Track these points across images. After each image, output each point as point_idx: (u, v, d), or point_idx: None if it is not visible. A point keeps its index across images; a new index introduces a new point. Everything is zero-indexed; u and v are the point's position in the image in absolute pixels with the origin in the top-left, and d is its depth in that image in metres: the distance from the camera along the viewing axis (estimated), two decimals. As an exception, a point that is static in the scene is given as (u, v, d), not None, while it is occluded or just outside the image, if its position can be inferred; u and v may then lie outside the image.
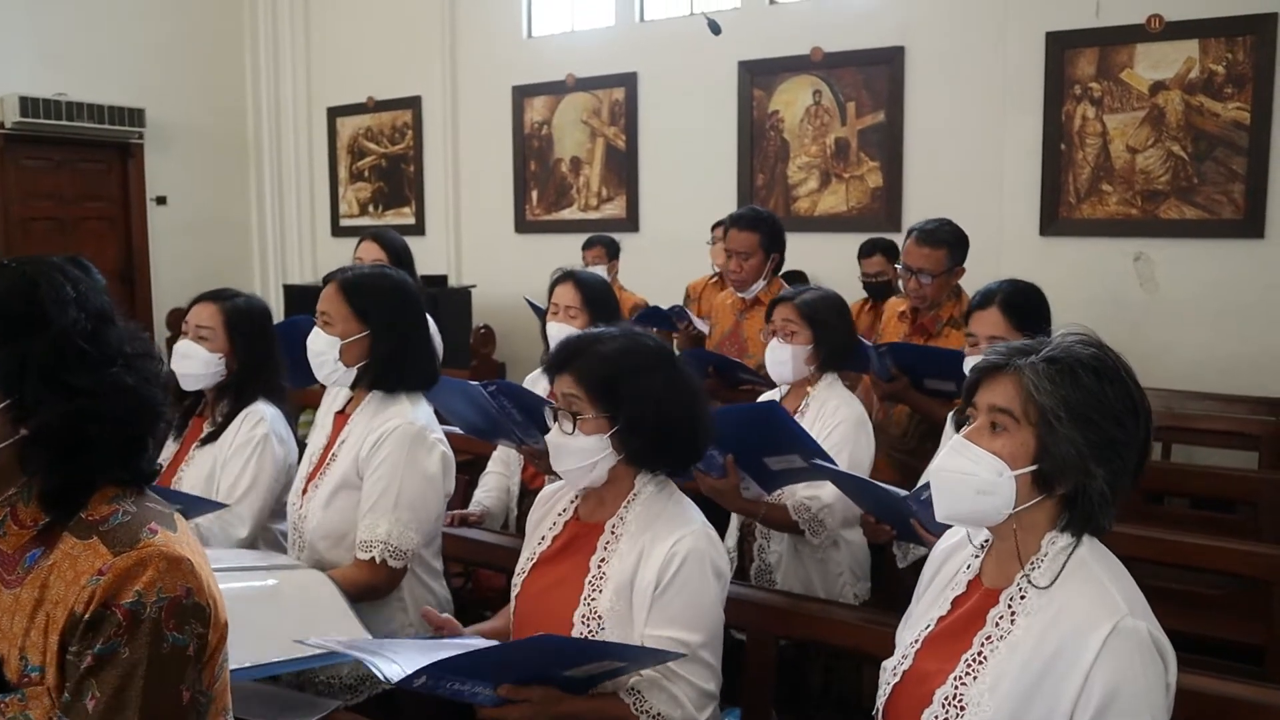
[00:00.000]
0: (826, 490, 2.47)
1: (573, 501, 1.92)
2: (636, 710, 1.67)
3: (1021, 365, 1.38)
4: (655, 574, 1.71)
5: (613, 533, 1.79)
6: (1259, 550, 2.58)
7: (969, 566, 1.52)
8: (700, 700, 1.70)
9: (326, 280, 2.31)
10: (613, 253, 5.36)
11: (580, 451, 1.76)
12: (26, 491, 1.18)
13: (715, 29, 5.70)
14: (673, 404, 1.77)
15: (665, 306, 4.38)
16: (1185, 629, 2.96)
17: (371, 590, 2.13)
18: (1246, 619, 2.87)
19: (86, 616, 1.11)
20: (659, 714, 1.67)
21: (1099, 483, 1.35)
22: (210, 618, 1.18)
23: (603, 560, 1.77)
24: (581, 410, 1.75)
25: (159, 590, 1.13)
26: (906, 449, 3.30)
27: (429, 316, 3.71)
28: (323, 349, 2.23)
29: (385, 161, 7.77)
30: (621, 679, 1.69)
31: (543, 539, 1.92)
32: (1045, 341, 1.41)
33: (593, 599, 1.74)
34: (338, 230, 8.07)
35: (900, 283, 3.45)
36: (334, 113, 7.96)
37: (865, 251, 4.82)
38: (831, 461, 2.31)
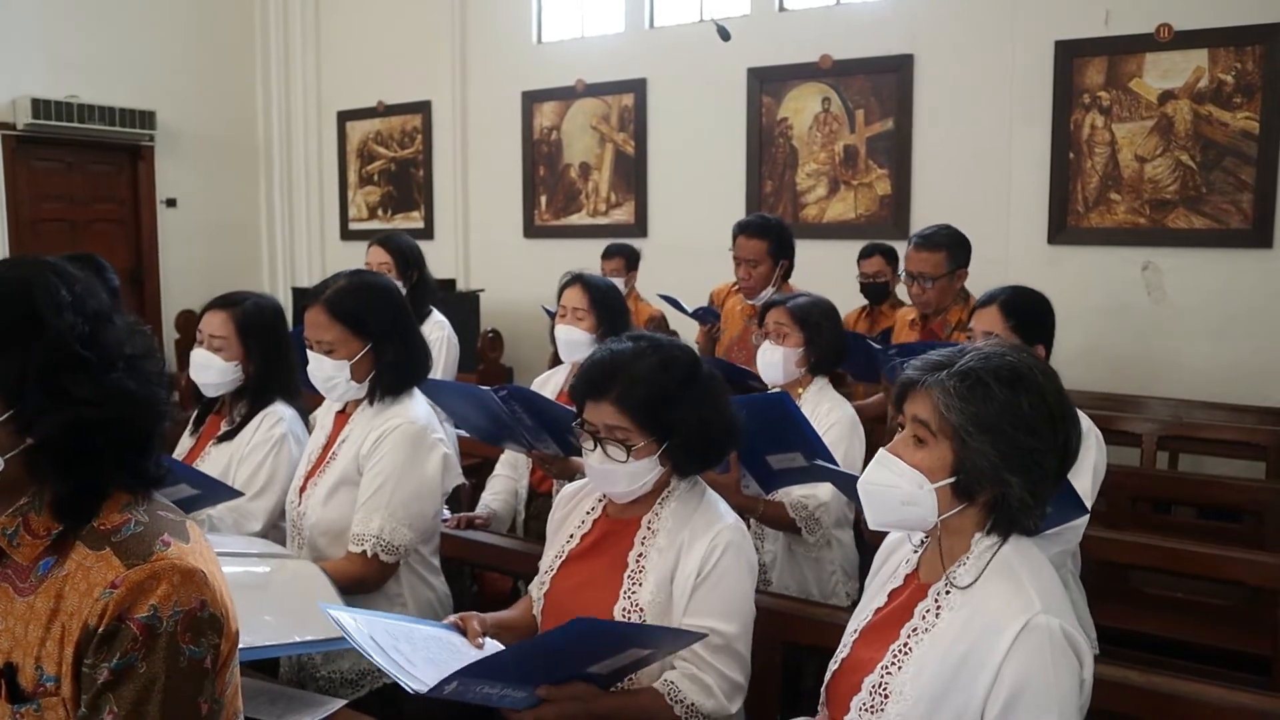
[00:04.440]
0: (823, 489, 2.52)
1: (600, 500, 1.94)
2: (671, 701, 1.70)
3: (932, 382, 1.41)
4: (698, 563, 1.75)
5: (649, 528, 1.82)
6: (1264, 559, 2.58)
7: (908, 561, 1.58)
8: (731, 691, 1.74)
9: (307, 303, 2.29)
10: (632, 264, 5.34)
11: (631, 476, 1.78)
12: (38, 500, 1.17)
13: (725, 35, 5.71)
14: (712, 410, 1.79)
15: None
16: (1192, 639, 2.97)
17: (361, 583, 2.14)
18: (1254, 630, 2.87)
19: (100, 630, 1.10)
20: (692, 704, 1.70)
21: (1017, 490, 1.39)
22: (223, 628, 1.18)
23: (640, 555, 1.80)
24: (631, 440, 1.75)
25: (174, 604, 1.12)
26: None
27: (446, 320, 3.77)
28: (332, 374, 2.24)
29: (394, 166, 7.80)
30: (652, 669, 1.72)
31: (571, 537, 1.94)
32: (964, 352, 1.44)
33: (633, 592, 1.77)
34: (347, 234, 8.10)
35: (906, 289, 3.49)
36: (344, 117, 8.00)
37: (865, 253, 4.81)
38: (834, 460, 2.33)
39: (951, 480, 1.41)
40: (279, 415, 2.48)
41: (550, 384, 3.05)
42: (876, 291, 4.64)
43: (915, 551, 1.57)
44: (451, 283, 6.95)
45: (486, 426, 2.69)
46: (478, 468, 3.53)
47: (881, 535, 2.31)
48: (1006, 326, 2.45)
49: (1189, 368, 4.96)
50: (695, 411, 1.76)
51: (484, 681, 1.51)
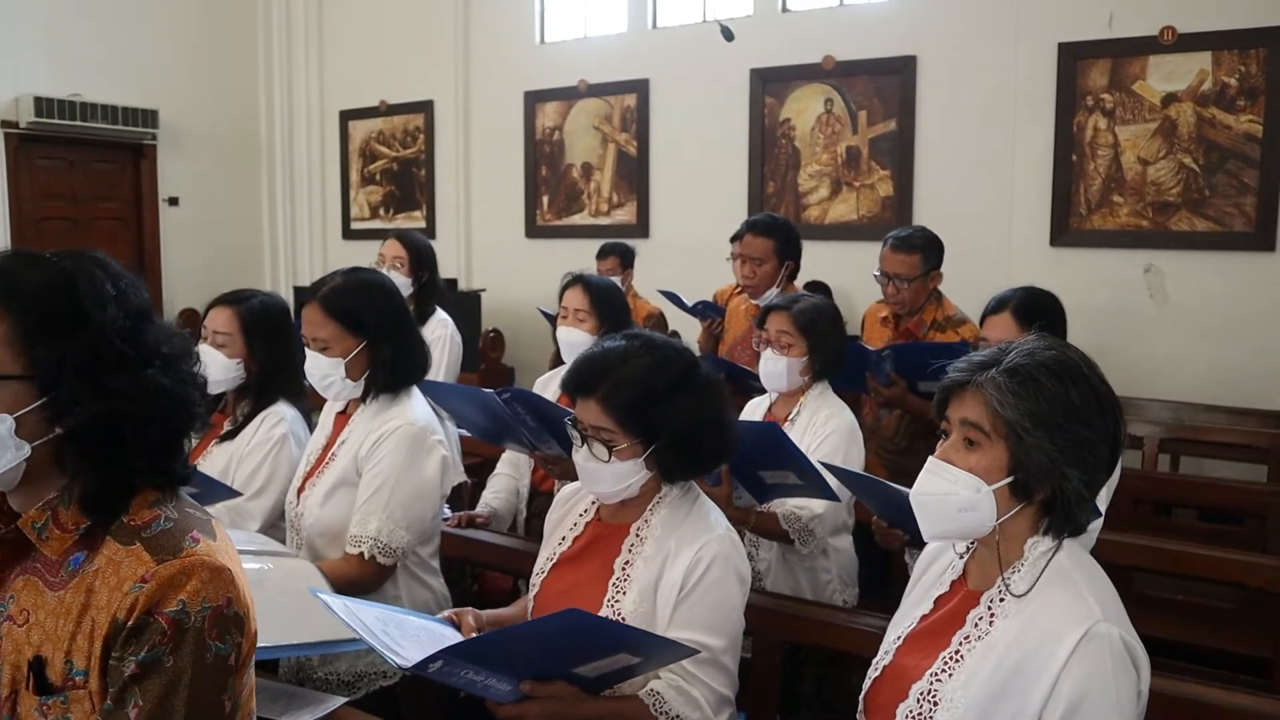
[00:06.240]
0: (816, 500, 2.49)
1: (594, 502, 1.92)
2: (656, 711, 1.68)
3: (983, 381, 1.40)
4: (681, 576, 1.71)
5: (637, 535, 1.80)
6: (1265, 562, 2.58)
7: (954, 567, 1.55)
8: (718, 704, 1.71)
9: (303, 301, 2.29)
10: (627, 262, 5.33)
11: (615, 476, 1.76)
12: (67, 495, 1.18)
13: (728, 36, 5.71)
14: (703, 415, 1.76)
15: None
16: (1193, 640, 2.97)
17: (358, 585, 2.13)
18: (1255, 632, 2.87)
19: (130, 624, 1.11)
20: (678, 715, 1.68)
21: (1075, 483, 1.37)
22: (245, 627, 1.19)
23: (626, 562, 1.78)
24: (614, 441, 1.74)
25: (203, 600, 1.13)
26: (897, 449, 3.36)
27: (450, 319, 3.76)
28: (327, 371, 2.23)
29: (397, 165, 7.80)
30: (637, 680, 1.69)
31: (563, 539, 1.92)
32: (1007, 351, 1.43)
33: (616, 600, 1.75)
34: (348, 233, 8.10)
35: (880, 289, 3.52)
36: (346, 116, 7.99)
37: None
38: (827, 486, 2.33)
39: (1009, 480, 1.38)
40: (280, 415, 2.48)
41: (552, 385, 3.05)
42: None
43: (961, 558, 1.54)
44: (453, 282, 6.95)
45: (488, 426, 2.69)
46: (479, 466, 3.53)
47: (898, 544, 2.32)
48: (1021, 332, 2.42)
49: (1191, 370, 4.95)
50: (684, 415, 1.73)
51: (469, 666, 1.50)
